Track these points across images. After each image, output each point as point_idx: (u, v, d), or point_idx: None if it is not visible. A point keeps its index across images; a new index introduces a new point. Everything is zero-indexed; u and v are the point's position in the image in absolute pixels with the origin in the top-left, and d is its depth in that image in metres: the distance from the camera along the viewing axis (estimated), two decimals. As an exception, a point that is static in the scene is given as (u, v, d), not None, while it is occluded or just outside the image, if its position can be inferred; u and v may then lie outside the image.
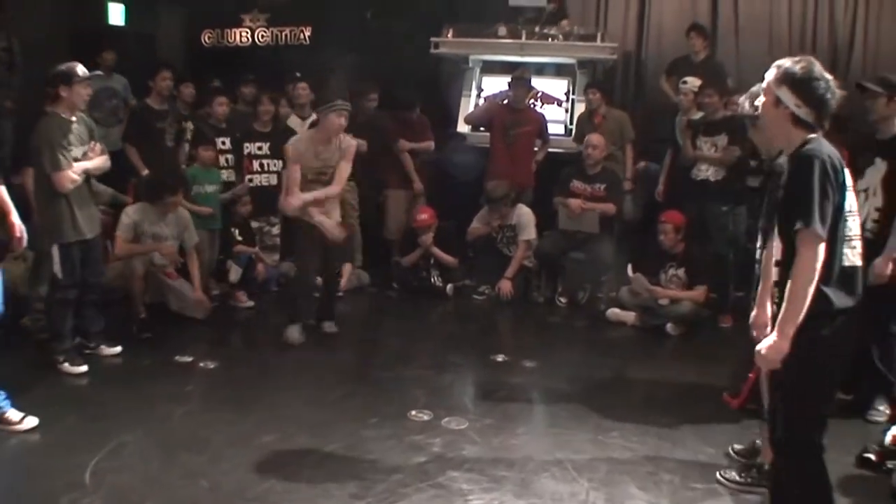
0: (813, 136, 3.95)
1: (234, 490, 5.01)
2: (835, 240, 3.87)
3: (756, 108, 4.40)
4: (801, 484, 4.13)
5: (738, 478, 5.23)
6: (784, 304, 3.83)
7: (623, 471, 5.40)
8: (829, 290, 3.87)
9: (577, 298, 9.87)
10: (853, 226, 4.04)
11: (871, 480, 5.34)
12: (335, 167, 7.95)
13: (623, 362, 7.91)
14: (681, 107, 10.09)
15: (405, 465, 5.40)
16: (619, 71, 12.39)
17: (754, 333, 4.59)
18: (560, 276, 10.00)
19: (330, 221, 7.94)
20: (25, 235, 6.19)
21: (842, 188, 3.87)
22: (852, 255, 4.00)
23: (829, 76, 4.00)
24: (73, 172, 6.74)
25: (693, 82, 9.93)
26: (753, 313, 4.74)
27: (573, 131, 10.93)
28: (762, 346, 3.93)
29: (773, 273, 4.11)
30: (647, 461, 5.54)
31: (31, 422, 5.87)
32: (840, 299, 3.91)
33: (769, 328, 4.11)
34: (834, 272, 3.90)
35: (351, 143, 8.08)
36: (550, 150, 10.84)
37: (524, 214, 9.93)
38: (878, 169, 6.10)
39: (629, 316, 8.93)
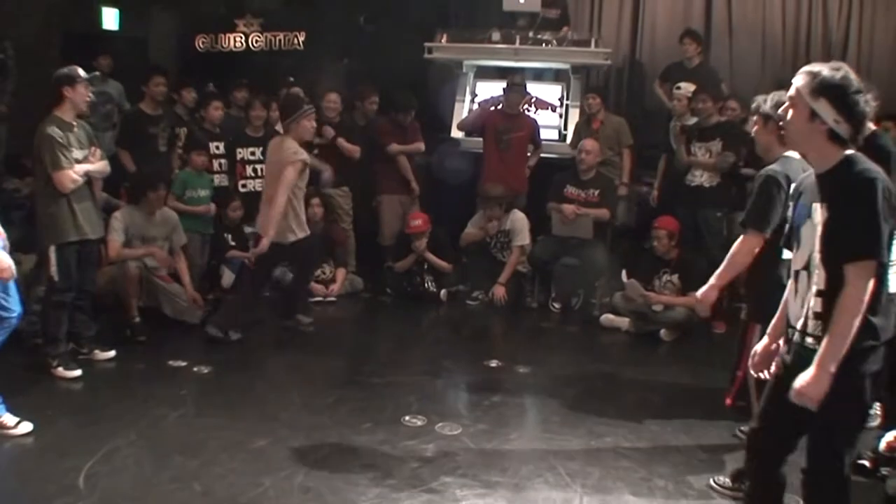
0: (851, 152, 3.59)
1: (227, 494, 5.01)
2: (885, 267, 3.54)
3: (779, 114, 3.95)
4: None
5: (731, 483, 5.23)
6: (828, 338, 3.51)
7: (616, 476, 5.40)
8: (876, 321, 3.56)
9: (570, 304, 9.87)
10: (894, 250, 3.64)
11: (865, 487, 5.33)
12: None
13: (617, 368, 7.91)
14: (675, 112, 10.12)
15: (398, 470, 5.39)
16: (612, 76, 12.41)
17: (752, 363, 4.17)
18: (553, 282, 9.99)
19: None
20: (7, 243, 6.17)
21: (894, 211, 3.50)
22: (892, 282, 3.67)
23: (862, 85, 3.57)
24: (74, 173, 6.74)
25: (687, 87, 9.96)
26: (762, 343, 4.15)
27: (570, 137, 10.93)
28: (800, 383, 3.55)
29: (814, 303, 3.65)
30: (640, 466, 5.54)
31: (26, 427, 5.85)
32: (886, 330, 3.61)
33: (773, 365, 3.96)
34: (882, 301, 3.57)
35: None
36: (544, 155, 10.84)
37: (518, 220, 9.93)
38: None
39: (623, 321, 8.93)
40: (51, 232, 6.85)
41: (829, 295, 3.57)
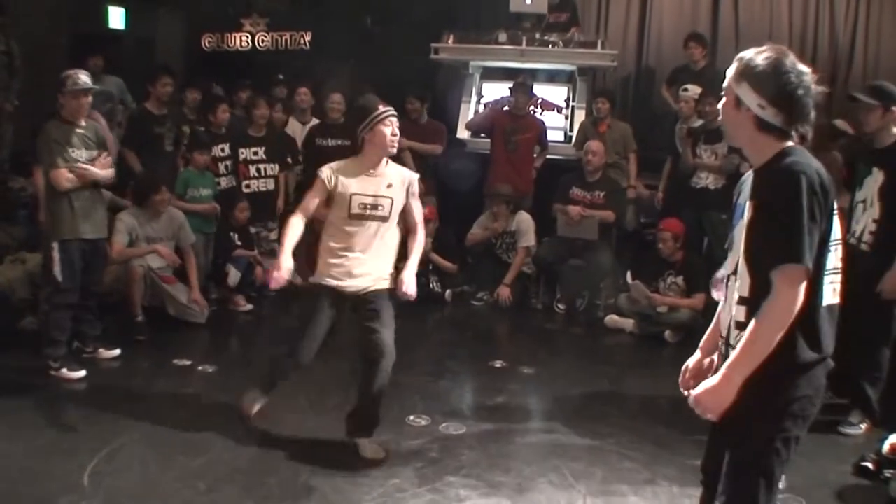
0: (790, 144, 3.22)
1: (232, 494, 5.01)
2: (819, 276, 3.16)
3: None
4: None
5: None
6: (741, 345, 3.13)
7: (620, 478, 5.40)
8: (804, 339, 3.13)
9: (575, 305, 9.87)
10: (834, 258, 3.24)
11: (868, 489, 5.34)
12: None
13: (621, 369, 7.92)
14: (681, 114, 10.12)
15: (403, 469, 5.40)
16: (619, 79, 12.42)
17: (681, 380, 3.75)
18: (559, 283, 10.00)
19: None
20: None
21: (830, 213, 3.15)
22: (832, 293, 3.25)
23: (804, 69, 3.21)
24: (70, 172, 6.73)
25: (693, 90, 9.97)
26: (693, 358, 3.78)
27: (574, 138, 10.94)
28: (699, 390, 3.22)
29: (736, 312, 3.28)
30: (644, 468, 5.54)
31: None
32: (818, 347, 3.17)
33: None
34: (815, 315, 3.16)
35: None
36: (550, 156, 10.86)
37: (524, 221, 9.93)
38: (876, 179, 6.02)
39: (627, 323, 8.94)
40: (52, 229, 6.86)
41: (753, 303, 3.18)
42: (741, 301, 3.25)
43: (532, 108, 11.15)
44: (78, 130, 6.89)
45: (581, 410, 6.65)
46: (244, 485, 5.12)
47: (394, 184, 5.72)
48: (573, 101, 11.53)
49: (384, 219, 5.70)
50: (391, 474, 5.32)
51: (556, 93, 11.70)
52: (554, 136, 11.13)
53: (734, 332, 3.27)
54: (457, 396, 7.07)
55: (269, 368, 6.05)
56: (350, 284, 5.71)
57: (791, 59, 3.20)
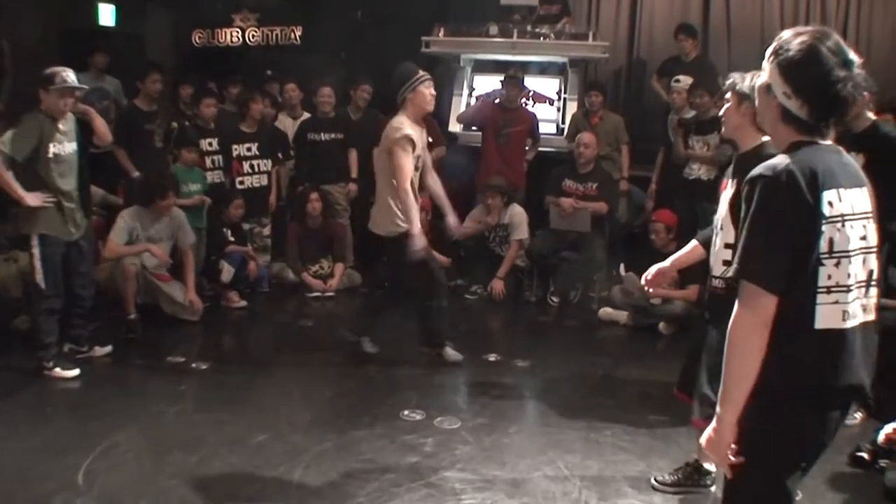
0: (807, 139, 2.91)
1: (227, 490, 5.02)
2: (798, 292, 2.81)
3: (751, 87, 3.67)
4: None
5: (668, 478, 5.23)
6: (722, 381, 2.91)
7: (615, 470, 5.41)
8: (777, 367, 2.82)
9: (569, 298, 9.87)
10: (837, 273, 2.83)
11: (864, 479, 5.36)
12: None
13: (615, 361, 7.91)
14: (673, 105, 10.11)
15: (397, 464, 5.40)
16: (610, 70, 12.41)
17: (646, 279, 4.75)
18: (552, 276, 9.99)
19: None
20: None
21: (815, 217, 2.79)
22: (830, 315, 2.83)
23: (850, 56, 2.88)
24: (4, 162, 6.57)
25: (686, 80, 9.97)
26: (661, 264, 4.36)
27: (566, 130, 10.93)
28: (703, 439, 3.01)
29: (723, 253, 3.66)
30: (639, 460, 5.56)
31: None
32: (801, 382, 2.87)
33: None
34: (791, 339, 2.82)
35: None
36: (542, 149, 10.85)
37: (517, 214, 9.93)
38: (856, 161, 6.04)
39: (621, 315, 8.94)
40: (29, 222, 6.79)
41: (735, 246, 2.95)
42: (727, 246, 3.72)
43: (524, 100, 11.13)
44: (59, 126, 6.80)
45: (576, 403, 6.65)
46: (239, 481, 5.13)
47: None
48: (565, 93, 11.51)
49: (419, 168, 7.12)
50: (386, 469, 5.32)
51: (547, 85, 11.68)
52: (546, 128, 11.11)
53: (719, 268, 3.84)
54: (451, 391, 7.06)
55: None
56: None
57: (831, 44, 2.86)
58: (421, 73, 7.13)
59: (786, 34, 2.92)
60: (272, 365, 7.45)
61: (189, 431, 5.87)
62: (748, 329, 2.80)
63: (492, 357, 7.76)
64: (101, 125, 7.43)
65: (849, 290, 2.84)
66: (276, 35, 13.20)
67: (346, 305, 9.56)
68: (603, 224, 9.88)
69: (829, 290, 2.80)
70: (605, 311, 9.15)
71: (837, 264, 2.81)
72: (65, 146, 6.83)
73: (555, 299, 9.86)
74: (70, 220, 6.90)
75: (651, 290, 5.09)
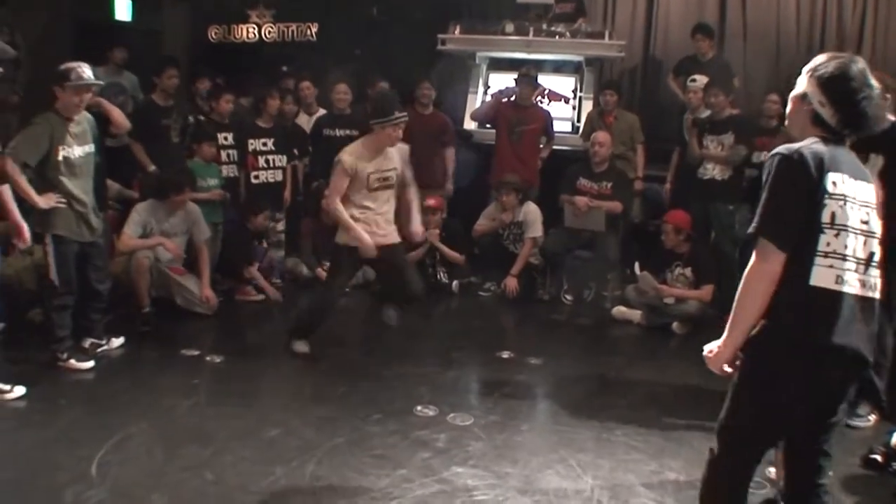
0: (828, 139, 3.47)
1: (239, 483, 5.02)
2: (800, 252, 3.35)
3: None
4: (709, 496, 3.76)
5: None
6: (732, 312, 3.47)
7: (628, 469, 5.40)
8: (772, 313, 3.39)
9: (582, 296, 9.87)
10: (836, 242, 3.37)
11: (876, 481, 5.34)
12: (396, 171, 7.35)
13: (628, 361, 7.90)
14: (689, 105, 10.10)
15: (410, 460, 5.40)
16: (626, 70, 12.39)
17: None
18: (566, 274, 9.98)
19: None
20: (29, 234, 6.26)
21: (819, 193, 3.35)
22: (828, 277, 3.36)
23: (873, 82, 3.49)
24: (18, 169, 6.57)
25: (701, 80, 9.95)
26: None
27: (581, 129, 10.93)
28: (708, 348, 3.61)
29: None
30: (651, 459, 5.54)
31: (20, 390, 6.15)
32: (789, 327, 3.39)
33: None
34: (788, 292, 3.36)
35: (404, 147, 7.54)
36: (557, 147, 10.84)
37: (531, 212, 9.92)
38: (874, 165, 6.03)
39: (635, 314, 8.93)
40: (44, 221, 6.78)
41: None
42: None
43: (538, 98, 11.13)
44: (71, 127, 6.77)
45: (588, 401, 6.65)
46: (251, 474, 5.12)
47: (394, 157, 7.28)
48: (580, 91, 11.52)
49: (391, 187, 7.34)
50: (398, 464, 5.31)
51: (563, 83, 11.68)
52: (561, 126, 11.12)
53: None
54: (464, 387, 7.07)
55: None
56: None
57: (859, 68, 3.48)
58: (397, 114, 7.09)
59: (822, 57, 3.57)
60: (285, 359, 7.45)
61: (202, 425, 5.88)
62: (760, 276, 3.38)
63: (505, 354, 7.75)
64: (117, 114, 7.47)
65: (845, 259, 3.38)
66: (292, 31, 13.24)
67: (359, 301, 9.56)
68: (617, 223, 9.87)
69: (826, 255, 3.35)
70: (619, 310, 9.14)
71: (837, 235, 3.37)
72: (75, 150, 6.79)
73: (568, 297, 9.86)
74: (83, 222, 6.90)
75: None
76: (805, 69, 3.60)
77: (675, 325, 8.62)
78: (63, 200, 6.71)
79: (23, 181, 6.57)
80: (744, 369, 3.52)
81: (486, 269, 10.25)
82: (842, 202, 3.37)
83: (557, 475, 5.27)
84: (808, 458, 3.66)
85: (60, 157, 6.68)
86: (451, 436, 5.81)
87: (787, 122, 3.83)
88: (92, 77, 6.84)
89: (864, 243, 3.44)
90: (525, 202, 9.97)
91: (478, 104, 11.46)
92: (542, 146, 10.70)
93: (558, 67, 11.85)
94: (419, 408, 6.29)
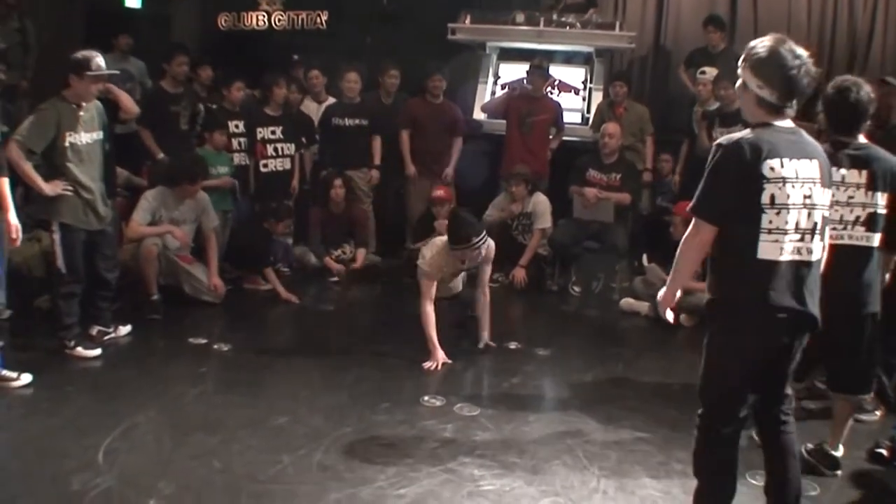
0: (780, 123, 3.93)
1: (247, 471, 5.02)
2: (747, 231, 3.86)
3: None
4: (698, 457, 4.21)
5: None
6: (672, 270, 4.22)
7: (634, 460, 5.39)
8: (728, 282, 4.00)
9: (590, 287, 9.86)
10: (777, 219, 3.84)
11: (882, 475, 5.33)
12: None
13: (636, 352, 7.90)
14: (699, 97, 10.08)
15: (417, 449, 5.40)
16: (636, 61, 12.37)
17: None
18: (574, 265, 9.98)
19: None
20: (21, 235, 6.26)
21: (756, 178, 3.81)
22: (772, 249, 3.85)
23: (802, 53, 3.90)
24: (23, 154, 6.60)
25: (711, 72, 9.94)
26: None
27: (591, 120, 10.91)
28: (658, 296, 4.37)
29: None
30: (658, 451, 5.53)
31: (27, 378, 6.15)
32: (742, 290, 3.96)
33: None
34: (741, 264, 3.91)
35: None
36: (566, 138, 10.83)
37: (540, 203, 9.91)
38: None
39: (643, 306, 8.91)
40: (50, 208, 6.80)
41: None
42: None
43: (549, 89, 11.11)
44: (81, 115, 6.78)
45: (595, 393, 6.65)
46: (258, 463, 5.13)
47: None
48: (590, 82, 11.49)
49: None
50: (405, 454, 5.32)
51: (573, 74, 11.66)
52: (571, 117, 11.10)
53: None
54: (471, 377, 7.06)
55: None
56: None
57: (788, 46, 3.89)
58: (475, 239, 7.25)
59: (751, 43, 3.98)
60: (293, 348, 7.46)
61: (209, 413, 5.88)
62: (695, 244, 4.03)
63: (512, 345, 7.75)
64: (126, 99, 7.48)
65: (786, 233, 3.85)
66: (302, 19, 13.19)
67: (368, 291, 9.57)
68: (626, 214, 9.86)
69: (769, 231, 3.84)
70: (627, 302, 9.13)
71: (778, 213, 3.84)
72: (82, 136, 6.80)
73: (576, 289, 9.85)
74: (90, 210, 6.90)
75: None
76: (740, 60, 4.00)
77: (682, 316, 8.57)
78: (70, 188, 6.71)
79: (28, 167, 6.58)
80: (710, 337, 4.10)
81: (495, 259, 10.22)
82: (780, 184, 3.82)
83: (564, 466, 5.27)
84: (771, 408, 4.20)
85: (67, 144, 6.69)
86: (458, 426, 5.81)
87: (743, 113, 4.18)
88: (105, 67, 6.85)
89: (808, 215, 3.90)
90: (534, 193, 9.96)
91: (488, 94, 11.45)
92: (551, 137, 10.69)
93: (568, 58, 11.82)
94: (426, 398, 6.29)
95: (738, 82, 4.04)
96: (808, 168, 3.90)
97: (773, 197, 3.82)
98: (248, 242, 9.39)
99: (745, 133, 3.89)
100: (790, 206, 3.84)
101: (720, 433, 4.06)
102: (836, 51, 11.46)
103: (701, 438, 4.13)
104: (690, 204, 3.96)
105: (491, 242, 7.50)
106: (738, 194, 3.83)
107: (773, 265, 3.85)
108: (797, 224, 3.86)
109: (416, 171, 10.62)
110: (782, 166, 3.82)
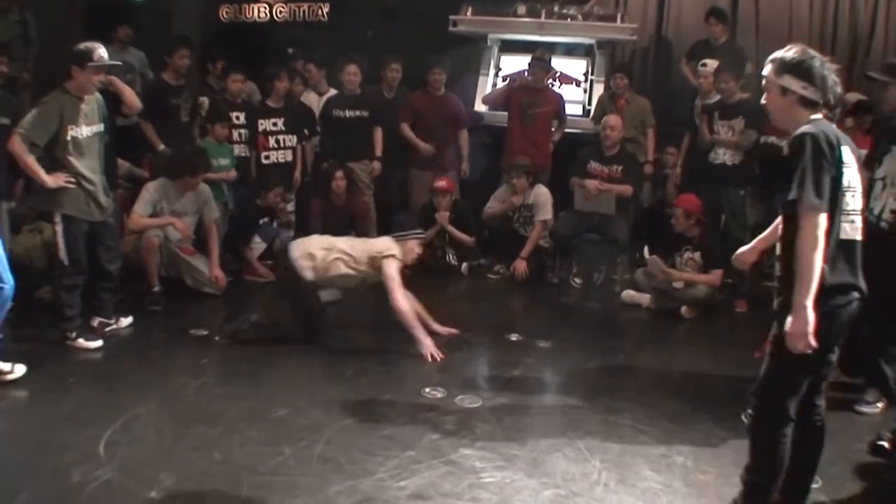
0: (815, 116, 4.05)
1: (247, 463, 5.02)
2: (833, 214, 3.94)
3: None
4: (764, 447, 4.23)
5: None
6: (796, 279, 3.85)
7: (635, 452, 5.38)
8: (825, 266, 3.90)
9: (591, 279, 9.87)
10: (852, 201, 4.05)
11: (884, 468, 5.33)
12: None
13: (637, 345, 7.90)
14: (700, 90, 10.06)
15: (418, 441, 5.40)
16: (638, 53, 12.35)
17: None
18: (575, 257, 9.99)
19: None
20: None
21: (838, 164, 3.94)
22: (850, 230, 4.05)
23: (821, 56, 4.14)
24: (26, 147, 6.61)
25: (712, 64, 9.91)
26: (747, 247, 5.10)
27: (592, 112, 10.90)
28: (787, 327, 3.88)
29: (777, 248, 4.21)
30: (659, 443, 5.53)
31: (21, 369, 6.13)
32: (836, 275, 3.97)
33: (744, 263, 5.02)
34: (830, 246, 3.93)
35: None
36: (568, 130, 10.83)
37: (541, 195, 9.91)
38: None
39: (644, 298, 8.91)
40: (53, 199, 6.81)
41: (784, 242, 4.10)
42: (779, 239, 4.21)
43: (550, 81, 11.10)
44: (83, 107, 6.79)
45: (596, 385, 6.65)
46: (259, 454, 5.13)
47: None
48: (592, 74, 11.48)
49: None
50: (406, 446, 5.31)
51: (574, 66, 11.65)
52: (572, 109, 11.09)
53: (777, 265, 4.19)
54: (472, 369, 7.08)
55: None
56: None
57: (810, 50, 4.15)
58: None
59: (778, 54, 4.19)
60: (294, 340, 7.45)
61: (210, 405, 5.88)
62: (815, 240, 3.82)
63: (513, 337, 7.75)
64: (129, 94, 7.47)
65: (856, 214, 4.09)
66: (304, 11, 13.17)
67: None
68: (627, 206, 9.86)
69: (847, 213, 4.04)
70: (628, 294, 9.13)
71: (853, 196, 4.06)
72: (83, 129, 6.80)
73: (577, 281, 9.87)
74: (92, 201, 6.91)
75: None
76: (769, 70, 4.19)
77: (683, 309, 8.61)
78: (72, 180, 6.71)
79: (30, 160, 6.59)
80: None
81: (496, 251, 10.25)
82: (850, 168, 4.03)
83: (565, 458, 5.26)
84: (815, 385, 4.24)
85: (69, 137, 6.70)
86: (459, 418, 5.81)
87: (774, 118, 4.32)
88: (107, 58, 6.85)
89: (856, 197, 4.11)
90: (535, 185, 9.96)
91: (489, 86, 11.45)
92: (553, 129, 10.68)
93: (570, 50, 11.82)
94: (428, 390, 6.29)
95: (773, 91, 4.18)
96: (852, 154, 4.10)
97: (849, 181, 4.02)
98: (236, 221, 9.52)
99: (809, 127, 3.97)
100: (854, 189, 4.08)
101: (790, 414, 4.15)
102: (837, 45, 11.42)
103: (772, 386, 4.18)
104: (802, 202, 3.86)
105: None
106: (830, 179, 3.91)
107: (851, 245, 4.05)
108: (855, 206, 4.09)
109: (419, 163, 10.62)
110: (848, 153, 4.03)
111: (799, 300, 3.82)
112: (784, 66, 4.11)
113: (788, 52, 4.14)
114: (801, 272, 3.84)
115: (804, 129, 3.96)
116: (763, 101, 4.29)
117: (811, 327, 3.80)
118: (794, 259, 3.87)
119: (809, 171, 3.86)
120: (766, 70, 4.20)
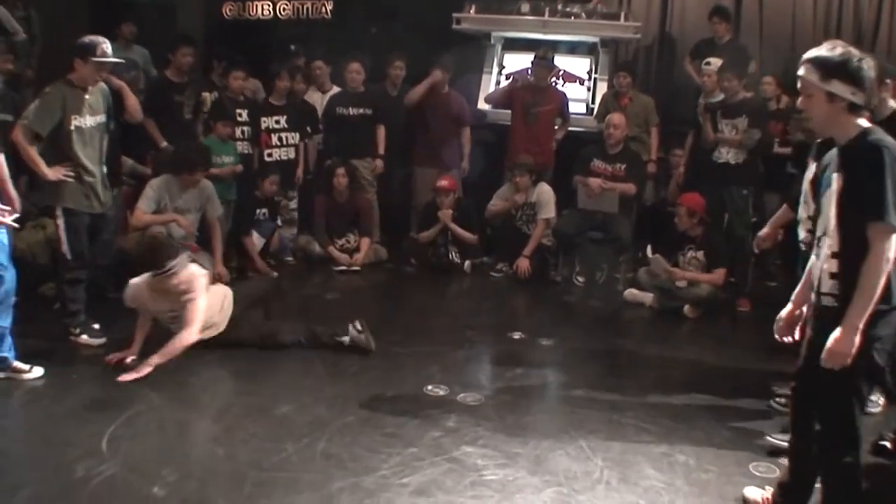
0: (867, 124, 3.86)
1: (250, 459, 5.03)
2: None
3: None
4: (842, 478, 4.05)
5: None
6: (855, 298, 3.74)
7: (637, 451, 5.39)
8: (893, 284, 3.81)
9: (594, 278, 9.86)
10: None
11: (886, 468, 5.33)
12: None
13: (639, 343, 7.91)
14: (704, 88, 10.05)
15: (420, 439, 5.40)
16: (641, 52, 12.35)
17: (776, 327, 4.47)
18: (578, 256, 9.98)
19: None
20: (19, 205, 6.27)
21: None
22: None
23: (860, 53, 3.90)
24: (27, 139, 6.61)
25: (715, 63, 9.88)
26: (786, 309, 4.45)
27: (596, 110, 10.90)
28: (830, 343, 3.78)
29: (831, 265, 3.93)
30: (661, 442, 5.53)
31: (39, 371, 6.14)
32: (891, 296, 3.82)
33: (797, 330, 4.34)
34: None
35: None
36: (571, 128, 10.82)
37: (544, 193, 9.91)
38: None
39: (647, 297, 8.91)
40: (54, 193, 6.82)
41: (843, 256, 3.87)
42: (833, 255, 3.91)
43: (553, 79, 11.09)
44: (86, 98, 6.80)
45: (599, 383, 6.64)
46: (262, 451, 5.14)
47: None
48: (595, 73, 11.47)
49: None
50: (409, 443, 5.32)
51: (578, 64, 11.63)
52: (576, 108, 11.08)
53: (828, 283, 3.94)
54: (475, 367, 7.09)
55: None
56: None
57: (848, 48, 3.88)
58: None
59: (821, 54, 3.90)
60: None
61: (213, 401, 5.91)
62: (884, 260, 3.70)
63: (516, 335, 7.75)
64: (133, 103, 7.49)
65: None
66: (307, 9, 13.18)
67: (372, 280, 9.59)
68: (630, 205, 9.86)
69: None
70: (631, 293, 9.13)
71: None
72: (87, 119, 6.81)
73: (580, 279, 9.86)
74: (93, 193, 6.91)
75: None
76: (811, 74, 3.91)
77: (686, 308, 8.60)
78: (72, 173, 6.72)
79: (32, 151, 6.61)
80: (873, 339, 3.83)
81: (499, 249, 10.25)
82: None
83: (567, 456, 5.27)
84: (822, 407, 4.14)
85: (72, 127, 6.71)
86: (461, 415, 5.81)
87: (816, 124, 4.13)
88: (111, 54, 6.85)
89: None
90: (538, 183, 9.96)
91: (492, 85, 11.44)
92: (557, 128, 10.68)
93: (573, 48, 11.80)
94: (430, 387, 6.29)
95: (817, 96, 3.91)
96: None
97: None
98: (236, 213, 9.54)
99: (880, 137, 3.81)
100: None
101: (858, 408, 4.05)
102: (841, 39, 11.41)
103: (847, 407, 3.99)
104: (885, 224, 3.70)
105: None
106: None
107: None
108: None
109: (422, 161, 10.63)
110: None
111: (852, 321, 3.74)
112: (831, 70, 3.83)
113: (834, 53, 3.87)
114: (864, 292, 3.73)
115: (877, 139, 3.79)
116: (800, 104, 4.12)
117: (855, 349, 3.74)
118: (860, 276, 3.74)
119: (890, 189, 3.68)
120: (807, 72, 3.93)
